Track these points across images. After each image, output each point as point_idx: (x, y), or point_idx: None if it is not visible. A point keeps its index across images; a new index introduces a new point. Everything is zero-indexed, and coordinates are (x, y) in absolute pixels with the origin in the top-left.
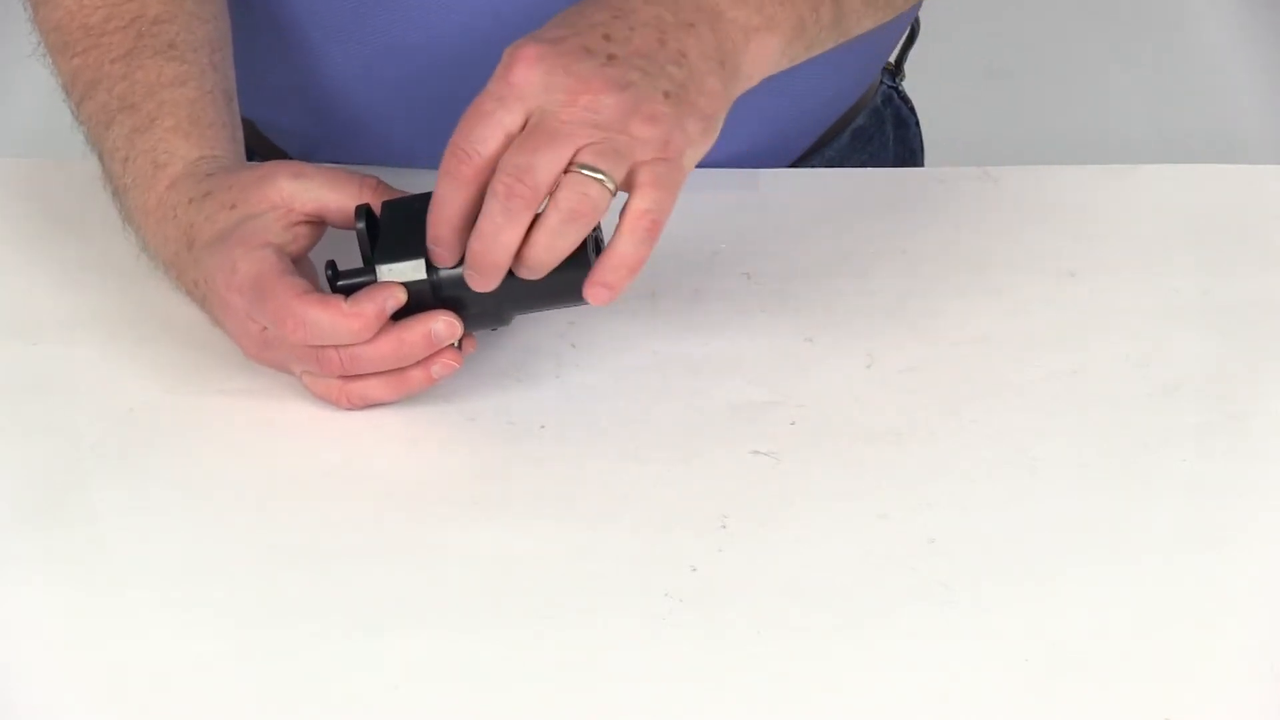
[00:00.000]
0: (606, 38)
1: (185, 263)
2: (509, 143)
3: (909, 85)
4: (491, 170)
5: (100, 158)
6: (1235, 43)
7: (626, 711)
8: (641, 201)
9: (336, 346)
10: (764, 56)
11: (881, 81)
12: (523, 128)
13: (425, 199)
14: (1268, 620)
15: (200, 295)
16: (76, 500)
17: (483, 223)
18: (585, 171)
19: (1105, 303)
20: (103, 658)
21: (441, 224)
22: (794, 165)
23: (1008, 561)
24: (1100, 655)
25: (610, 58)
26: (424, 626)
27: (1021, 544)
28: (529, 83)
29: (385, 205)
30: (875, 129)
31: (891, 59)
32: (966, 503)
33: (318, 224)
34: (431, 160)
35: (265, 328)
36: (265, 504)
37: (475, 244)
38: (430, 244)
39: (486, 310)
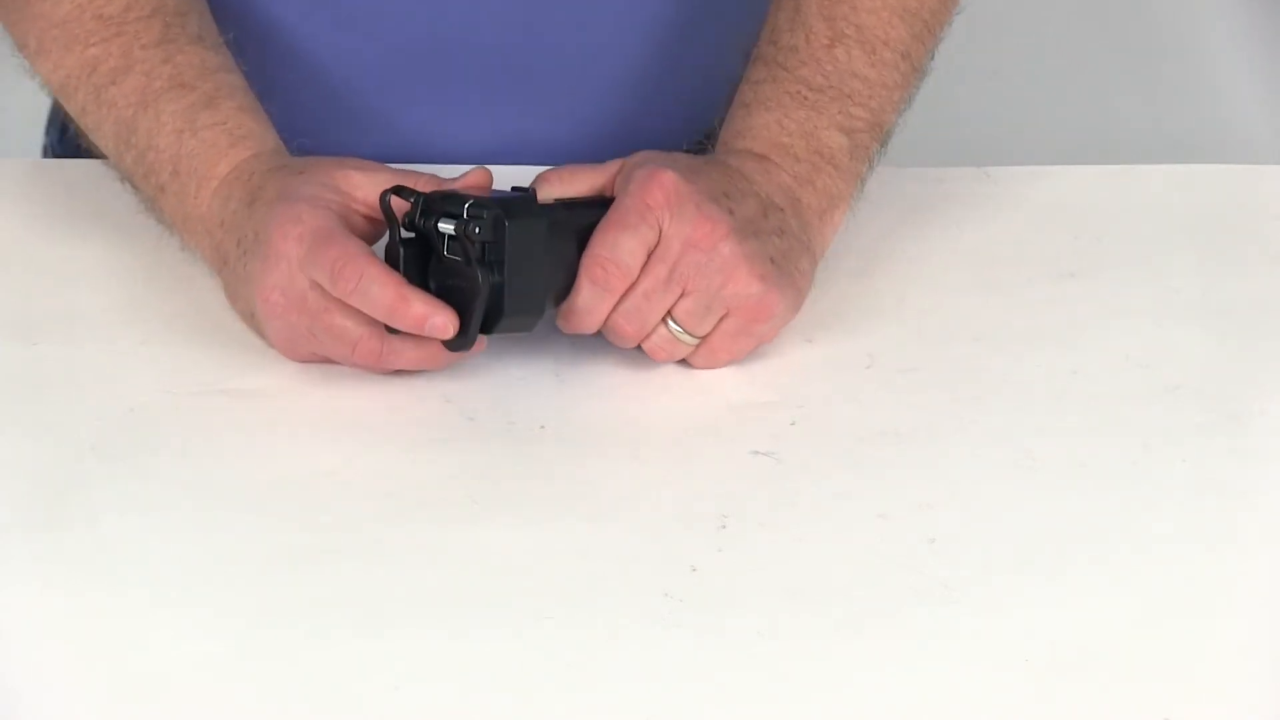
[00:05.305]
0: (727, 195)
1: (241, 219)
2: (648, 254)
3: None
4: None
5: (126, 135)
6: (1235, 43)
7: (626, 711)
8: (704, 359)
9: (380, 338)
10: (831, 233)
11: None
12: (657, 243)
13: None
14: (1268, 620)
15: (240, 252)
16: (76, 500)
17: (590, 327)
18: (676, 330)
19: (1105, 303)
20: (103, 658)
21: (590, 325)
22: None
23: (1008, 561)
24: (1100, 655)
25: (731, 213)
26: (424, 626)
27: (1021, 544)
28: (665, 206)
29: (404, 243)
30: None
31: None
32: (966, 503)
33: (372, 224)
34: (445, 149)
35: (311, 285)
36: (265, 504)
37: (571, 328)
38: (571, 332)
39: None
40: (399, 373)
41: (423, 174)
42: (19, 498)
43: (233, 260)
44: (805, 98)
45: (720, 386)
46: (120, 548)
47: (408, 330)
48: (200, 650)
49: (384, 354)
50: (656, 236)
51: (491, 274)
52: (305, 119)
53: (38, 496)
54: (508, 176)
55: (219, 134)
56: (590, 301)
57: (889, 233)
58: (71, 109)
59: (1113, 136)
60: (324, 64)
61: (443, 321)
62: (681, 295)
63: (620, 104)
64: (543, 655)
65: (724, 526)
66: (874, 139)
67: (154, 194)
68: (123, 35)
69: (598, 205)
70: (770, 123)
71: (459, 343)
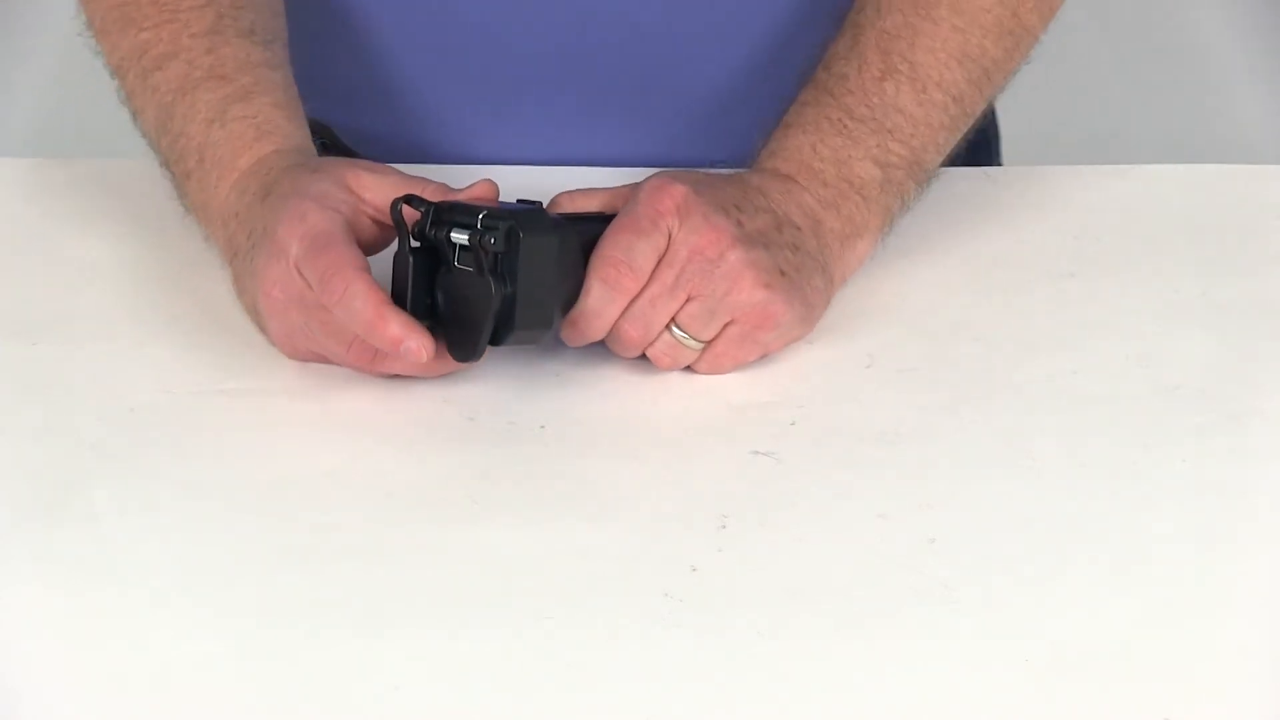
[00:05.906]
0: (738, 208)
1: (254, 212)
2: (658, 260)
3: None
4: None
5: (165, 121)
6: (1235, 43)
7: (626, 711)
8: (708, 366)
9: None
10: (854, 261)
11: None
12: (666, 249)
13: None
14: (1268, 620)
15: (249, 245)
16: (76, 500)
17: (598, 332)
18: (680, 335)
19: (1105, 303)
20: (103, 658)
21: (598, 330)
22: None
23: (1008, 561)
24: (1100, 655)
25: (739, 224)
26: (424, 626)
27: (1021, 544)
28: (675, 214)
29: (414, 252)
30: None
31: None
32: (966, 503)
33: (380, 228)
34: (504, 155)
35: (309, 285)
36: (265, 504)
37: (578, 334)
38: (575, 341)
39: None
40: (398, 374)
41: (432, 181)
42: (19, 498)
43: (242, 253)
44: (845, 126)
45: (721, 387)
46: (120, 548)
47: (383, 350)
48: (200, 650)
49: (377, 357)
50: (666, 242)
51: (504, 285)
52: (400, 121)
53: (38, 496)
54: (514, 187)
55: (246, 127)
56: (600, 304)
57: (889, 232)
58: (123, 90)
59: (1113, 136)
60: (423, 71)
61: (417, 346)
62: (686, 301)
63: (706, 122)
64: (543, 655)
65: (724, 526)
66: (910, 176)
67: (181, 181)
68: (174, 22)
69: (604, 221)
70: (804, 145)
71: (466, 354)
